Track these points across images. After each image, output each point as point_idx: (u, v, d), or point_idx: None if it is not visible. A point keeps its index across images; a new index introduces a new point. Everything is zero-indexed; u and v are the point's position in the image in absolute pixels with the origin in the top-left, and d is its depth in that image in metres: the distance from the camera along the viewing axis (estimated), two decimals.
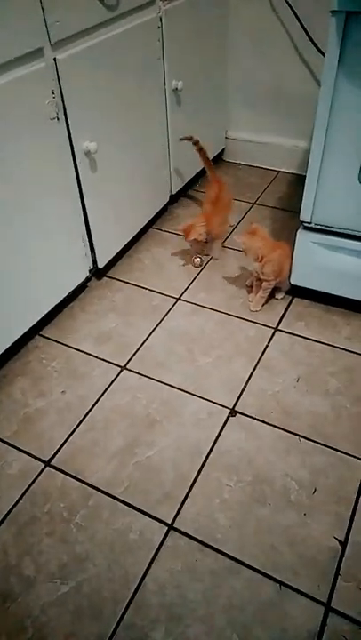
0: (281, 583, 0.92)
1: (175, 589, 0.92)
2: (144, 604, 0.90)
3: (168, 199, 1.80)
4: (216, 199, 1.57)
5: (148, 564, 0.95)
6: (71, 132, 1.22)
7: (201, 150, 1.62)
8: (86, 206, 1.36)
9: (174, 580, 0.93)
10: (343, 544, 0.96)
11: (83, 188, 1.32)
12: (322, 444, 1.12)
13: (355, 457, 1.10)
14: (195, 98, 1.72)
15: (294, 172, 2.05)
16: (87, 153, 1.27)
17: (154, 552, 0.97)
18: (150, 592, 0.92)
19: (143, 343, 1.38)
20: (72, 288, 1.44)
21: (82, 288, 1.53)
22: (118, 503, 1.04)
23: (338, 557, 0.95)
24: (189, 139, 1.58)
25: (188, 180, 1.89)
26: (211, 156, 2.00)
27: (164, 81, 1.53)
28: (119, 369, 1.32)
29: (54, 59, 1.12)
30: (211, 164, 1.65)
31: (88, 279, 1.53)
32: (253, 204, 1.90)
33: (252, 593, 0.91)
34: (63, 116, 1.19)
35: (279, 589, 0.91)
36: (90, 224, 1.40)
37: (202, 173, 1.99)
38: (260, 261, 1.35)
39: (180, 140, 1.59)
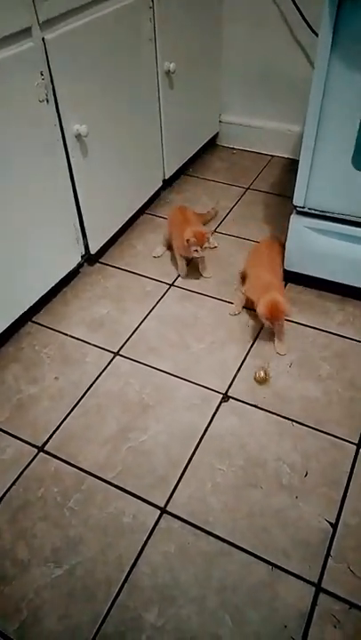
0: (273, 565, 0.93)
1: (168, 572, 0.93)
2: (137, 585, 0.91)
3: (161, 184, 1.78)
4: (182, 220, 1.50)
5: (141, 546, 0.96)
6: (61, 114, 1.19)
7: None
8: (77, 191, 1.34)
9: (167, 562, 0.94)
10: (334, 526, 0.98)
11: (74, 172, 1.30)
12: (314, 429, 1.13)
13: (346, 440, 1.10)
14: (188, 81, 1.70)
15: (288, 156, 2.04)
16: (78, 136, 1.26)
17: (147, 535, 0.98)
18: (143, 574, 0.93)
19: (136, 329, 1.38)
20: (64, 274, 1.43)
21: (74, 274, 1.52)
22: (111, 487, 1.05)
23: (329, 539, 0.96)
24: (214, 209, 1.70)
25: (182, 164, 1.87)
26: (204, 141, 2.00)
27: (156, 63, 1.51)
28: (112, 355, 1.31)
29: (43, 39, 1.09)
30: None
31: (80, 265, 1.52)
32: (247, 189, 1.89)
33: (244, 574, 0.92)
34: (53, 99, 1.16)
35: (271, 571, 0.93)
36: (81, 209, 1.38)
37: (195, 157, 1.98)
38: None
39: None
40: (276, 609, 0.88)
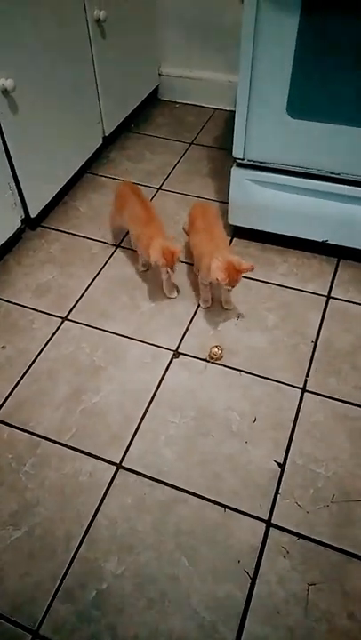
0: (225, 506, 0.98)
1: (125, 522, 0.96)
2: (96, 538, 0.94)
3: (102, 141, 1.72)
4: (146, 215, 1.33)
5: (98, 502, 0.99)
6: None
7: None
8: (10, 151, 1.28)
9: (124, 514, 0.97)
10: (282, 466, 1.03)
11: (4, 131, 1.24)
12: (261, 377, 1.17)
13: (291, 386, 1.15)
14: (121, 30, 1.62)
15: (231, 108, 2.00)
16: (4, 91, 1.19)
17: (104, 491, 1.00)
18: (102, 527, 0.95)
19: (84, 293, 1.36)
20: (3, 240, 1.38)
21: (15, 240, 1.47)
22: (67, 449, 1.06)
23: (277, 478, 1.01)
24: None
25: (122, 120, 1.81)
26: (144, 95, 1.93)
27: (84, 10, 1.43)
28: (60, 320, 1.30)
29: None
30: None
31: (21, 230, 1.47)
32: (190, 144, 1.85)
33: (199, 518, 0.96)
34: None
35: (224, 512, 0.97)
36: (16, 171, 1.32)
37: (137, 113, 1.92)
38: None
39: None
40: (230, 546, 0.93)
